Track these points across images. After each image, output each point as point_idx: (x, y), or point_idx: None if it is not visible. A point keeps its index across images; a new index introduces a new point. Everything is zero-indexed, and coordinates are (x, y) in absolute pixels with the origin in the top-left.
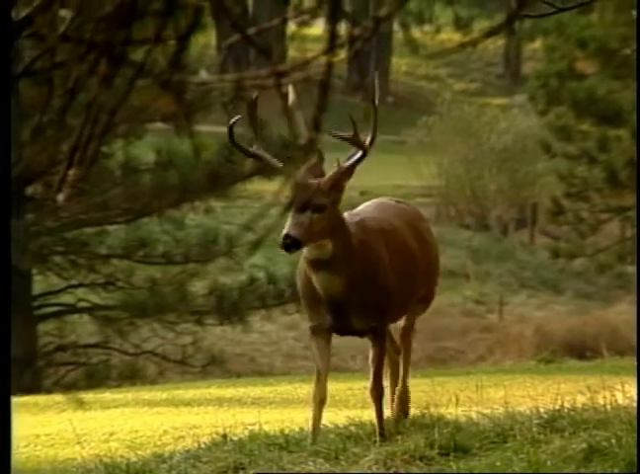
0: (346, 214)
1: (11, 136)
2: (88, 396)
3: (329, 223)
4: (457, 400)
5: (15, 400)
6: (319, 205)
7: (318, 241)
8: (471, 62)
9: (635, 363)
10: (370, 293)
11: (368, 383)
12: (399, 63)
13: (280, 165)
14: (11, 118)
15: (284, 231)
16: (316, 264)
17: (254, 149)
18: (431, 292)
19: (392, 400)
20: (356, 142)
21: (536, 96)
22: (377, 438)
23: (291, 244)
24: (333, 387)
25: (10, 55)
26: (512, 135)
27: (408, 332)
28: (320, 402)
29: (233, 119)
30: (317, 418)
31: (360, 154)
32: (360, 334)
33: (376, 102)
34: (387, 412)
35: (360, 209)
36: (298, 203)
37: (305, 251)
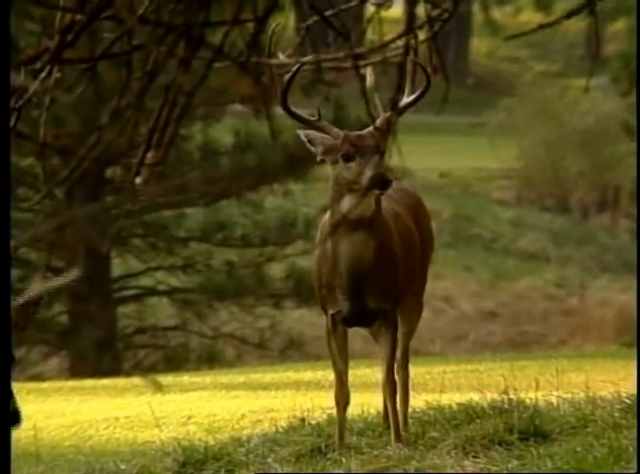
0: None
1: (10, 135)
2: (167, 379)
3: None
4: (537, 384)
5: (95, 382)
6: (383, 151)
7: None
8: (553, 44)
9: None
10: (389, 269)
11: (380, 377)
12: (479, 45)
13: (314, 118)
14: (10, 114)
15: (370, 172)
16: (357, 223)
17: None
18: (423, 285)
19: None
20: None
21: (619, 77)
22: (393, 443)
23: (387, 182)
24: (411, 371)
25: (9, 56)
26: (593, 117)
27: (404, 357)
28: (345, 406)
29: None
30: (343, 423)
31: (417, 94)
32: (372, 319)
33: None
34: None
35: None
36: (368, 148)
37: (345, 209)
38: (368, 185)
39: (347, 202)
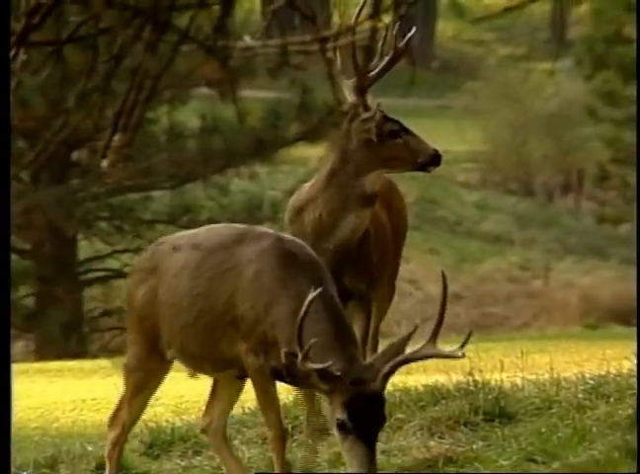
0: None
1: (11, 130)
2: None
3: None
4: (502, 366)
5: (61, 365)
6: None
7: None
8: (517, 27)
9: None
10: (365, 249)
11: None
12: (445, 28)
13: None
14: (11, 111)
15: (432, 148)
16: (370, 200)
17: None
18: (396, 270)
19: None
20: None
21: (583, 61)
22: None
23: (440, 159)
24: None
25: (10, 53)
26: (557, 101)
27: (374, 338)
28: None
29: None
30: (311, 404)
31: (389, 58)
32: (346, 299)
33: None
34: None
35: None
36: (404, 126)
37: (368, 185)
38: (429, 161)
39: (371, 179)
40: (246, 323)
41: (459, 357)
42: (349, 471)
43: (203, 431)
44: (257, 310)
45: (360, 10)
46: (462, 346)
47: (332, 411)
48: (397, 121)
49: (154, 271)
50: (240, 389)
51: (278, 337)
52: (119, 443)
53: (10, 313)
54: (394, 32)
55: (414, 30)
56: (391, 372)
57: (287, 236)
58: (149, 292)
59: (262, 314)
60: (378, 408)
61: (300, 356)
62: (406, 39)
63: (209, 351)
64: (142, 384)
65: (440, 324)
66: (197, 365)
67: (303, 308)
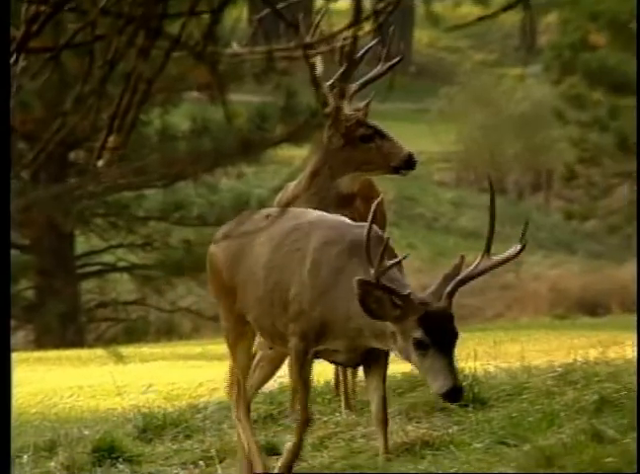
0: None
1: (10, 130)
2: (127, 350)
3: None
4: (476, 355)
5: (60, 353)
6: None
7: None
8: (490, 34)
9: None
10: None
11: None
12: (421, 35)
13: None
14: (10, 111)
15: (407, 152)
16: (347, 200)
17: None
18: None
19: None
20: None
21: (551, 66)
22: (342, 409)
23: (415, 162)
24: None
25: (10, 56)
26: (528, 104)
27: None
28: None
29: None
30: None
31: (375, 72)
32: None
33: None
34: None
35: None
36: (382, 130)
37: (344, 186)
38: (402, 164)
39: (347, 181)
40: (293, 307)
41: (518, 254)
42: (433, 389)
43: None
44: (304, 300)
45: (320, 20)
46: (521, 239)
47: (405, 335)
48: (372, 126)
49: (243, 235)
50: (278, 367)
51: (332, 326)
52: (234, 382)
53: (10, 304)
54: (375, 43)
55: (375, 41)
56: (454, 291)
57: (359, 224)
58: (234, 252)
59: (307, 306)
60: (450, 322)
61: (375, 269)
62: (389, 57)
63: (277, 326)
64: (235, 342)
65: (491, 237)
66: (268, 337)
67: (370, 216)
